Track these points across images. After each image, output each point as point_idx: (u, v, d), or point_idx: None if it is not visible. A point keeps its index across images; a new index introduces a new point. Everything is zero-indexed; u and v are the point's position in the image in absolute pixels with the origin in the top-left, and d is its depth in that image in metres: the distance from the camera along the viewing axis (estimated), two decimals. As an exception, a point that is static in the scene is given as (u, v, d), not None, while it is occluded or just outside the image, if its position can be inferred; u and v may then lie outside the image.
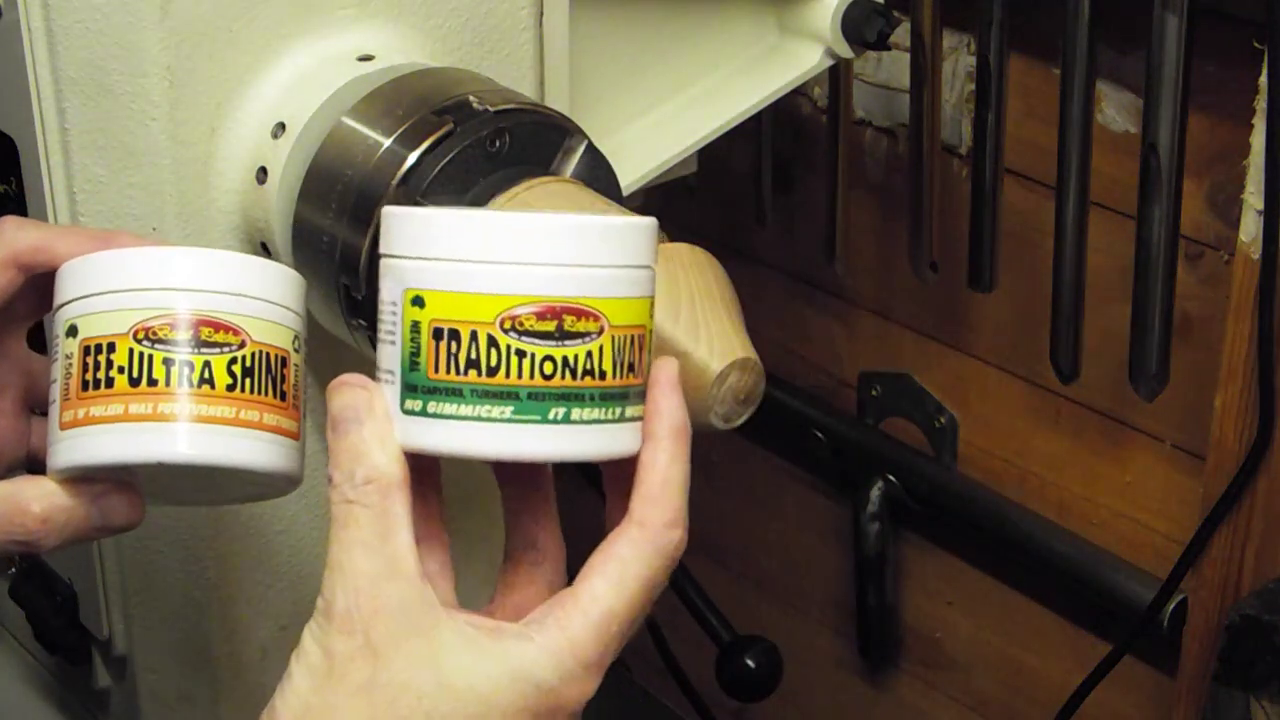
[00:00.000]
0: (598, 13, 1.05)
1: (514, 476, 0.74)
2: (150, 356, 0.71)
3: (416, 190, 0.84)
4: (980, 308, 1.43)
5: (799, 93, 1.48)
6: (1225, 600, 1.26)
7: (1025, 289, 1.37)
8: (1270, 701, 1.16)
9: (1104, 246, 1.28)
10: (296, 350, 0.74)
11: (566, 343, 0.67)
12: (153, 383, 0.71)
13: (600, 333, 0.67)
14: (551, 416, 0.67)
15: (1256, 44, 1.14)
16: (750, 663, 1.27)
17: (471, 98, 0.86)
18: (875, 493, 1.53)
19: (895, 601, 1.60)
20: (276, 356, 0.73)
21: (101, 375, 0.71)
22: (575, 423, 0.67)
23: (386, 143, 0.85)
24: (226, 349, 0.72)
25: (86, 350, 0.71)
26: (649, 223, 0.70)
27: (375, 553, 0.67)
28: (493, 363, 0.66)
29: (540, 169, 0.87)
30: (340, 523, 0.68)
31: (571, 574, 0.72)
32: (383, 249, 0.69)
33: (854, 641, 1.63)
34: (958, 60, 1.37)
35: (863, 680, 1.66)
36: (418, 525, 0.69)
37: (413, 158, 0.84)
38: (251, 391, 0.72)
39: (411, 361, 0.68)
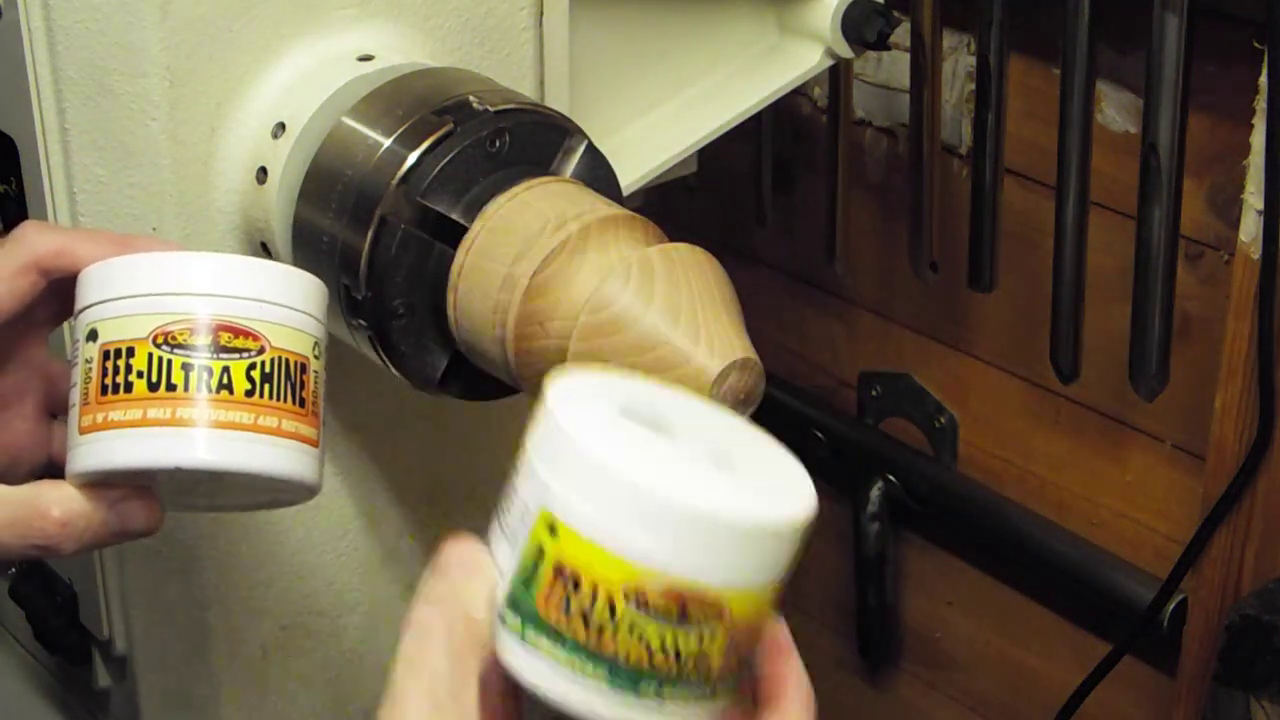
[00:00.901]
0: (598, 13, 1.05)
1: None
2: (169, 361, 0.71)
3: (416, 190, 0.84)
4: (980, 308, 1.43)
5: (799, 93, 1.48)
6: (1225, 600, 1.26)
7: (1025, 289, 1.37)
8: (1270, 701, 1.16)
9: (1104, 246, 1.28)
10: (316, 357, 0.74)
11: (683, 626, 0.62)
12: (171, 388, 0.71)
13: (719, 625, 0.62)
14: (642, 691, 0.62)
15: (1256, 44, 1.14)
16: (750, 663, 1.27)
17: (471, 98, 0.86)
18: (875, 493, 1.53)
19: (895, 601, 1.60)
20: (296, 363, 0.73)
21: (121, 379, 0.71)
22: (665, 699, 0.63)
23: (386, 143, 0.85)
24: (246, 354, 0.71)
25: (106, 354, 0.71)
26: (799, 525, 0.63)
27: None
28: (601, 625, 0.62)
29: (540, 169, 0.87)
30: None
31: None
32: (529, 444, 0.63)
33: (854, 641, 1.63)
34: (958, 60, 1.37)
35: (863, 680, 1.66)
36: None
37: (413, 158, 0.84)
38: (270, 398, 0.72)
39: (525, 581, 0.63)
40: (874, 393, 1.55)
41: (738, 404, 0.79)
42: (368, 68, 0.90)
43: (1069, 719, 1.38)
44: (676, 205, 1.56)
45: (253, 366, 0.71)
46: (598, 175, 0.89)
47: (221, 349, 0.71)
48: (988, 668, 1.55)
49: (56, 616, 1.01)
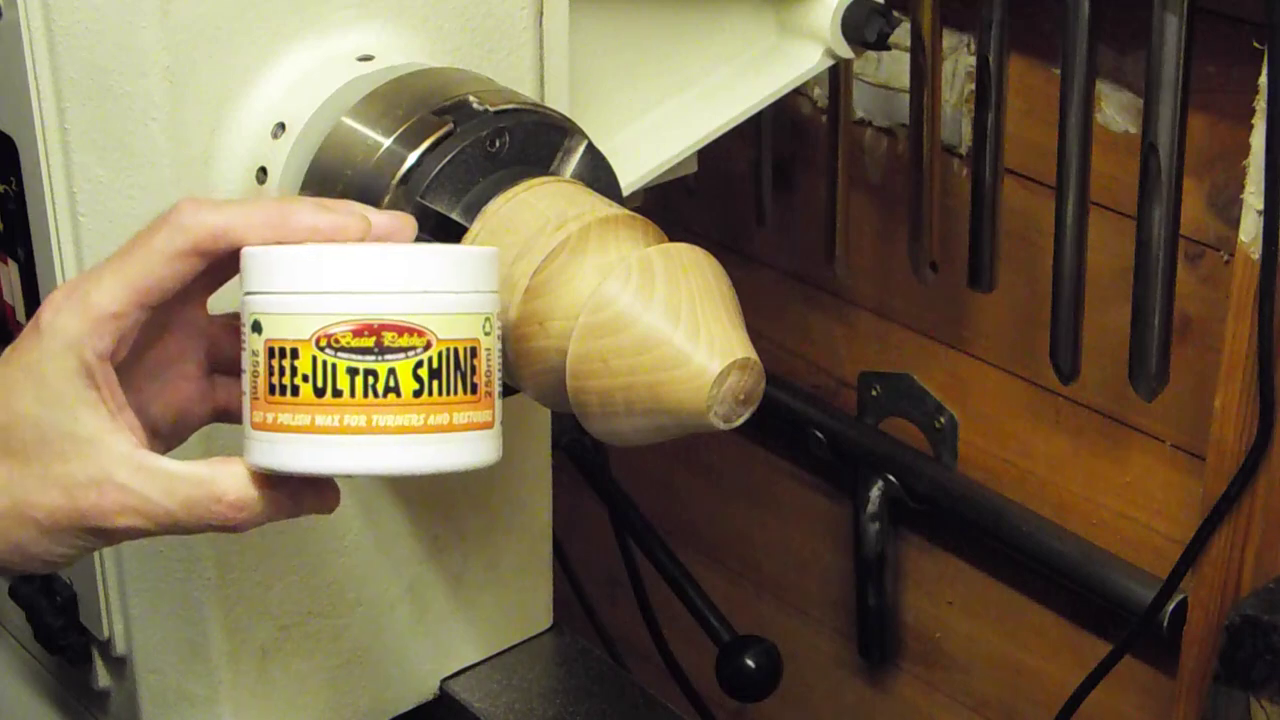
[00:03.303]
0: (598, 13, 1.05)
1: None
2: (333, 366, 0.70)
3: (416, 190, 0.84)
4: (980, 308, 1.43)
5: (799, 93, 1.48)
6: (1225, 600, 1.26)
7: (1025, 289, 1.37)
8: (1270, 701, 1.16)
9: (1104, 246, 1.28)
10: (487, 333, 0.73)
11: None
12: (337, 393, 0.70)
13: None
14: None
15: (1256, 44, 1.14)
16: (750, 663, 1.27)
17: (471, 98, 0.86)
18: (875, 493, 1.53)
19: (895, 601, 1.60)
20: (465, 349, 0.72)
21: (287, 381, 0.71)
22: None
23: (386, 143, 0.85)
24: (411, 353, 0.70)
25: (271, 353, 0.71)
26: None
27: None
28: None
29: (540, 169, 0.87)
30: None
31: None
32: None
33: (854, 641, 1.63)
34: (958, 60, 1.37)
35: (863, 680, 1.66)
36: None
37: (413, 158, 0.84)
38: (439, 393, 0.71)
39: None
40: (874, 393, 1.55)
41: (738, 403, 0.79)
42: (368, 68, 0.90)
43: (1069, 719, 1.38)
44: (676, 205, 1.57)
45: (419, 365, 0.70)
46: (598, 175, 0.89)
47: (386, 350, 0.70)
48: (988, 668, 1.55)
49: (56, 616, 1.01)
